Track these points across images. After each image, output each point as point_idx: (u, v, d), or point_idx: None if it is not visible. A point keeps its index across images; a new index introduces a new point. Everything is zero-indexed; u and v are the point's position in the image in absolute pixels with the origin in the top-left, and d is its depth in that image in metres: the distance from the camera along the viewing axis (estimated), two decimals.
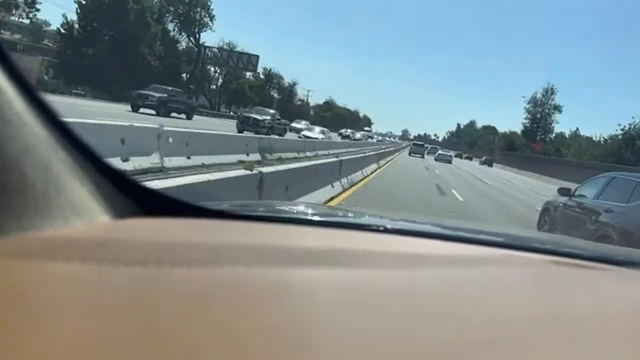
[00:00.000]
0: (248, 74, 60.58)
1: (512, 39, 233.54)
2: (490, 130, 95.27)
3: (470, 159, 74.87)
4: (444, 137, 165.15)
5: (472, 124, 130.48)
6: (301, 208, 1.39)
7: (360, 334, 0.42)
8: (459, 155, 73.49)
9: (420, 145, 50.11)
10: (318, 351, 0.38)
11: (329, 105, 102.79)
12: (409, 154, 42.93)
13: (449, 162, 43.25)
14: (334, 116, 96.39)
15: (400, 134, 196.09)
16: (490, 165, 57.85)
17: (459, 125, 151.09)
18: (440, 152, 50.62)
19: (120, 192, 0.67)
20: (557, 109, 71.87)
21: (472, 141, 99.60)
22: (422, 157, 42.74)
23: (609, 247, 1.44)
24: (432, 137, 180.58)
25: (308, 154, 16.05)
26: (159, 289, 0.46)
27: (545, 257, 0.91)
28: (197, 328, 0.38)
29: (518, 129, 73.30)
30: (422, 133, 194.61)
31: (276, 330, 0.40)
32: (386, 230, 0.97)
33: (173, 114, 24.83)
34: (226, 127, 20.68)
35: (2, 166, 0.49)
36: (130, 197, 0.69)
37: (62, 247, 0.52)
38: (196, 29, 53.14)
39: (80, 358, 0.32)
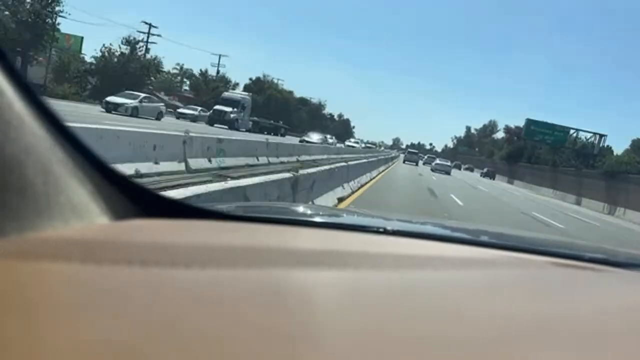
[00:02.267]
0: None
1: (511, 41, 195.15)
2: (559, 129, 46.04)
3: (471, 169, 69.90)
4: (446, 146, 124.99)
5: (492, 124, 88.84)
6: (301, 209, 1.39)
7: (360, 335, 0.42)
8: (457, 166, 66.55)
9: (415, 153, 52.40)
10: (317, 353, 0.37)
11: (260, 84, 60.55)
12: (404, 162, 44.27)
13: (447, 173, 38.92)
14: (265, 101, 54.09)
15: (391, 142, 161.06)
16: (493, 177, 53.57)
17: (468, 128, 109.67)
18: (438, 161, 46.35)
19: (119, 193, 0.67)
20: None
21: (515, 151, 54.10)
22: (416, 164, 44.09)
23: (609, 249, 1.41)
24: (428, 147, 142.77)
25: None
26: (158, 290, 0.45)
27: (546, 259, 0.91)
28: (196, 329, 0.38)
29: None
30: (415, 142, 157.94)
31: (275, 331, 0.40)
32: (386, 232, 0.97)
33: None
34: None
35: (2, 167, 0.49)
36: (130, 198, 0.69)
37: (62, 247, 0.51)
38: None
39: (79, 358, 0.32)
